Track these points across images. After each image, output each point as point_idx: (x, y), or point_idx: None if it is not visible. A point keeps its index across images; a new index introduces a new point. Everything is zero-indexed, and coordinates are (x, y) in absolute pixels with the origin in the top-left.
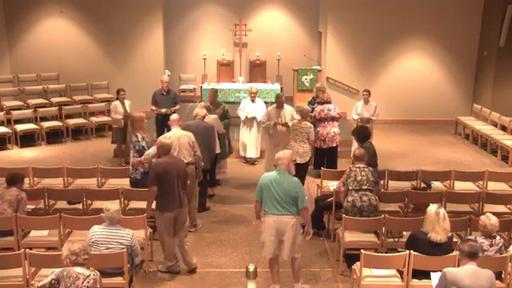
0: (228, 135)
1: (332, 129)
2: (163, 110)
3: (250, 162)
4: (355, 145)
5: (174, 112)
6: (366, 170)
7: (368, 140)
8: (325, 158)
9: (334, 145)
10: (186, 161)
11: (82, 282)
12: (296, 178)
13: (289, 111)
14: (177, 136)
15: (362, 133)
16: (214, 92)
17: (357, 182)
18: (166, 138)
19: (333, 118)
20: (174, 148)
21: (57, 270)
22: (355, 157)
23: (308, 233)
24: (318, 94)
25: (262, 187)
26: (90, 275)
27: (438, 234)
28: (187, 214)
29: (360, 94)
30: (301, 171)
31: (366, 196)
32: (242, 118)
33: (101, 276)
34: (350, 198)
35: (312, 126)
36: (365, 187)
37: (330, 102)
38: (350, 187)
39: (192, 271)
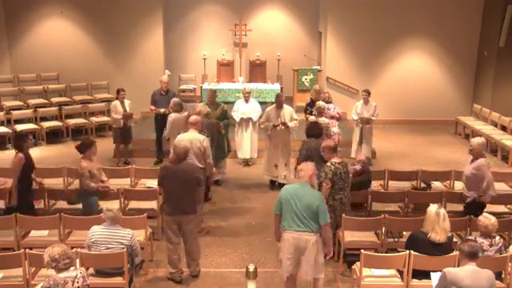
0: (227, 135)
1: (331, 128)
2: (162, 110)
3: (246, 162)
4: (354, 145)
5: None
6: (344, 164)
7: (315, 138)
8: None
9: None
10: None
11: (73, 285)
12: (318, 192)
13: (288, 111)
14: (189, 139)
15: (309, 129)
16: (213, 93)
17: (342, 181)
18: (178, 140)
19: (332, 118)
20: None
21: (43, 282)
22: (333, 148)
23: (329, 252)
24: (318, 97)
25: (282, 200)
26: (76, 275)
27: (438, 234)
28: (195, 222)
29: (360, 94)
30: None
31: (346, 192)
32: (237, 119)
33: (99, 275)
34: (337, 196)
35: (329, 121)
36: (346, 185)
37: (330, 102)
38: (337, 186)
39: (193, 276)
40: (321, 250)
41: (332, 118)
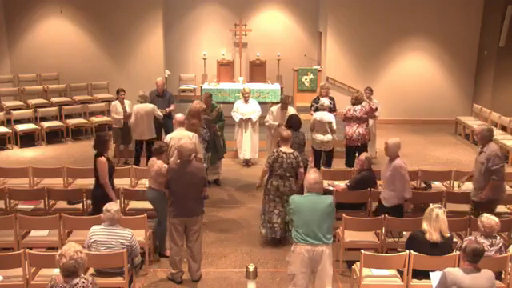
0: (223, 136)
1: (357, 129)
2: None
3: (246, 163)
4: (371, 146)
5: (170, 112)
6: (291, 156)
7: (293, 130)
8: (352, 155)
9: (359, 144)
10: None
11: None
12: (329, 196)
13: (292, 112)
14: (178, 137)
15: (287, 122)
16: (209, 96)
17: (283, 169)
18: (167, 139)
19: (358, 119)
20: (173, 150)
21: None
22: (283, 138)
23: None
24: (322, 93)
25: (295, 213)
26: (77, 283)
27: (430, 234)
28: (200, 222)
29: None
30: (327, 157)
31: (288, 181)
32: (237, 119)
33: (99, 275)
34: (275, 182)
35: (334, 117)
36: (288, 174)
37: (361, 103)
38: (276, 172)
39: (193, 281)
40: (331, 261)
41: (359, 119)
